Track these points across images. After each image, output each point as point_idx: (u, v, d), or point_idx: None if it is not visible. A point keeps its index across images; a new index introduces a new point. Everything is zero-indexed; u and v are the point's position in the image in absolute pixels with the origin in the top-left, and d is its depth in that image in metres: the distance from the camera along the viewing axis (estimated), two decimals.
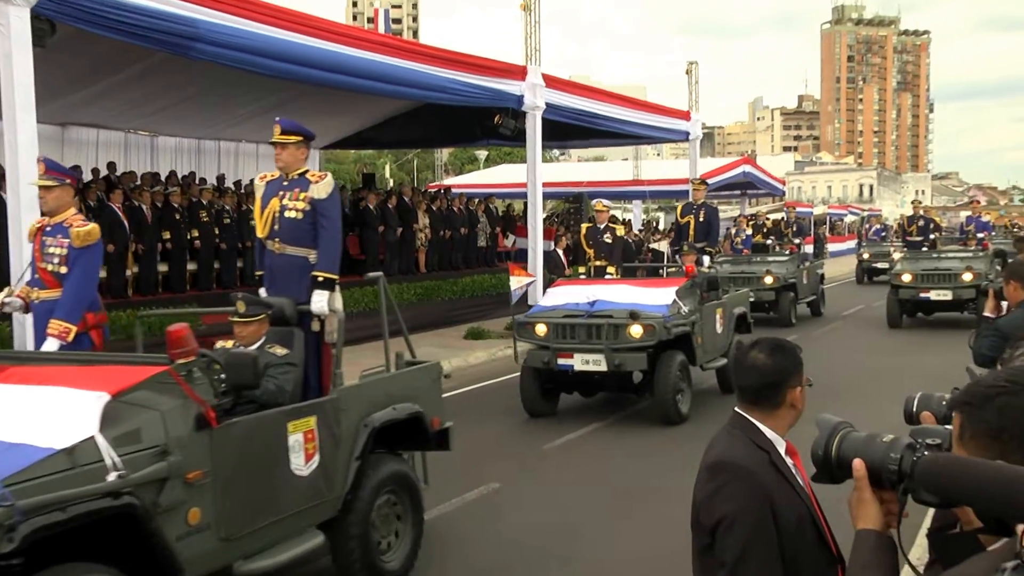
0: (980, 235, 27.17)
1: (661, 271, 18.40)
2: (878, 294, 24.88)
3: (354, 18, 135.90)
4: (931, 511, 2.38)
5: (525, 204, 20.76)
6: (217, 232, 19.33)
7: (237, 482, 5.78)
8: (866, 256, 37.09)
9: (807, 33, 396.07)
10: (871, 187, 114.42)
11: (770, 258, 24.43)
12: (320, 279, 7.50)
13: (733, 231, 29.50)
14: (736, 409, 3.45)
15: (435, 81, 17.31)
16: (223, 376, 5.83)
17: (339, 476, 6.65)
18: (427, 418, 7.67)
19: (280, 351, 6.96)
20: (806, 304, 24.68)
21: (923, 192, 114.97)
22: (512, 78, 19.27)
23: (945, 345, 18.07)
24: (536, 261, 20.19)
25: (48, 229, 7.96)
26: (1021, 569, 1.36)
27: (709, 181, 38.12)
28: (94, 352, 7.83)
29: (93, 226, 8.05)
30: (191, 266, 19.07)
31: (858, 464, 2.22)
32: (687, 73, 28.19)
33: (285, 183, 7.81)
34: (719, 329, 14.05)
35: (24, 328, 10.72)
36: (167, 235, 18.39)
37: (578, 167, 51.20)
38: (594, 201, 17.11)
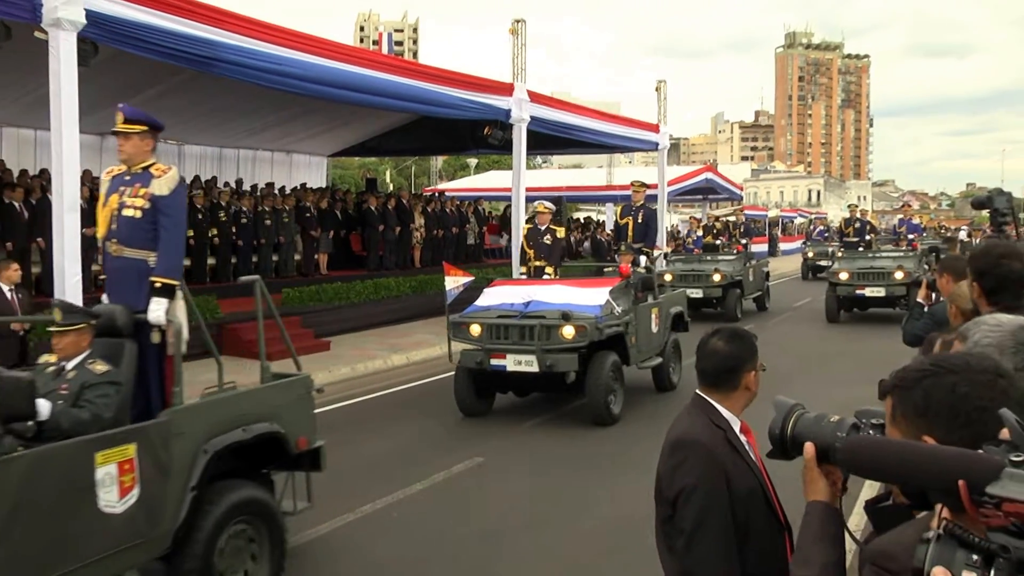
0: (911, 236, 26.75)
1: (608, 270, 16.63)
2: (822, 289, 24.93)
3: (361, 40, 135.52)
4: (875, 484, 2.39)
5: (509, 207, 20.70)
6: (234, 230, 19.34)
7: (19, 528, 4.60)
8: (810, 254, 37.03)
9: (763, 56, 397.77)
10: (819, 192, 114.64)
11: (719, 257, 23.91)
12: (158, 285, 6.13)
13: (685, 232, 29.52)
14: (697, 391, 3.47)
15: (432, 96, 17.29)
16: None
17: (168, 510, 5.40)
18: (290, 438, 6.45)
19: (101, 368, 5.59)
20: (752, 300, 24.23)
21: (864, 197, 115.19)
22: (500, 94, 19.25)
23: (879, 335, 18.37)
24: (518, 256, 20.16)
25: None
26: (943, 540, 1.36)
27: (675, 186, 38.76)
28: None
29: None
30: (211, 260, 19.05)
31: (808, 447, 2.23)
32: (656, 90, 28.05)
33: (127, 178, 6.44)
34: (654, 329, 13.11)
35: None
36: (190, 233, 18.33)
37: (558, 173, 51.08)
38: (535, 203, 15.83)
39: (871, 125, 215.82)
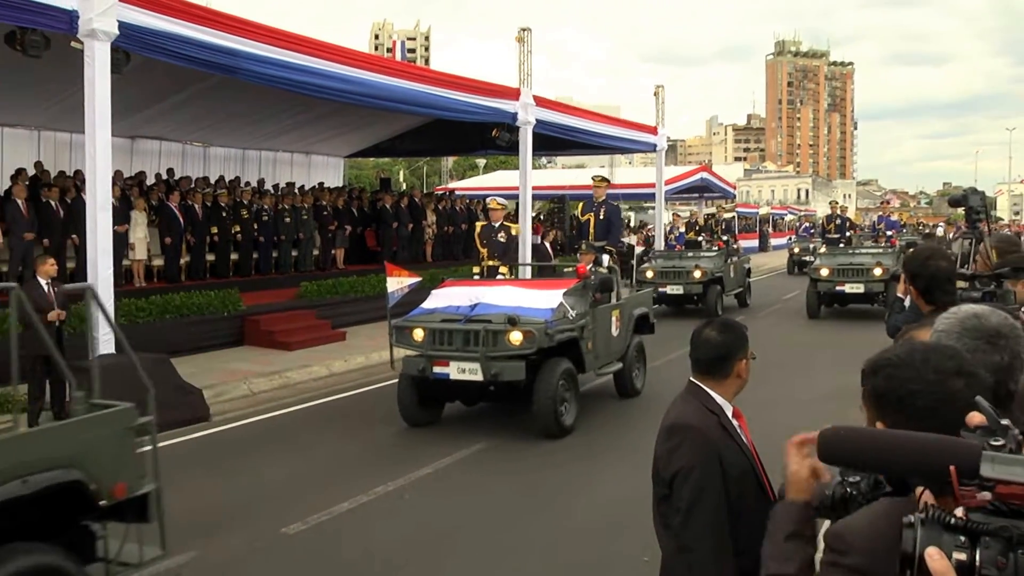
0: (890, 232, 25.86)
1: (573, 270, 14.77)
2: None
3: (375, 48, 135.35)
4: None
5: (517, 204, 20.68)
6: (256, 227, 19.39)
7: None
8: (796, 250, 36.58)
9: (754, 63, 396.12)
10: (807, 191, 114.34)
11: (700, 254, 22.75)
12: None
13: (667, 228, 29.02)
14: (691, 379, 3.49)
15: (443, 101, 17.31)
16: None
17: None
18: (99, 486, 4.97)
19: None
20: (734, 296, 23.24)
21: (849, 196, 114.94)
22: (508, 98, 19.25)
23: (861, 328, 18.17)
24: (525, 253, 20.19)
25: None
26: (929, 524, 1.37)
27: (672, 185, 38.71)
28: None
29: None
30: (234, 256, 19.11)
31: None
32: (654, 95, 28.00)
33: None
34: (615, 332, 11.73)
35: None
36: (215, 230, 18.43)
37: (562, 173, 50.94)
38: (488, 199, 14.42)
39: (855, 128, 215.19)
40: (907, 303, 6.12)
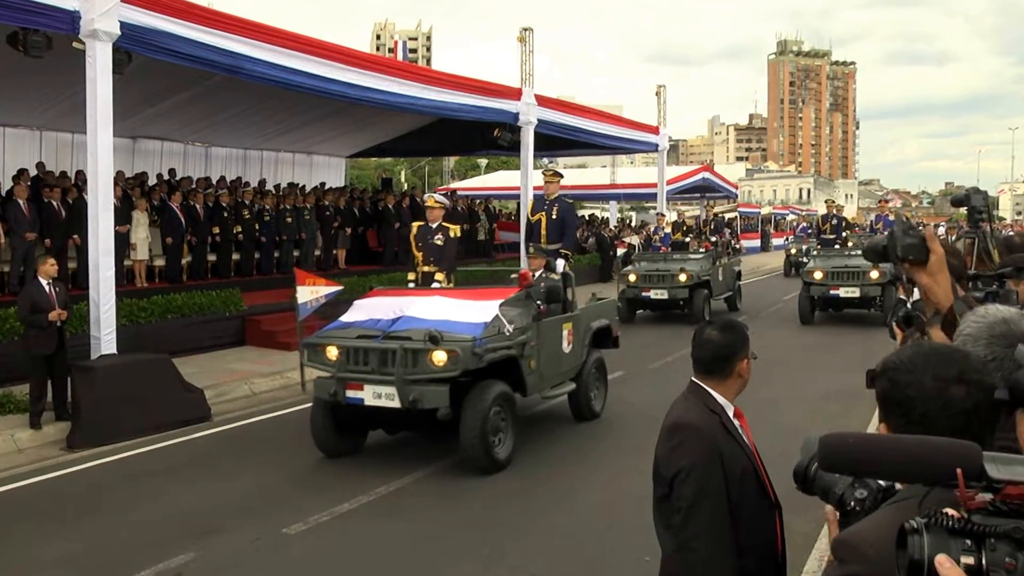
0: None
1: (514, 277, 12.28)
2: None
3: (377, 48, 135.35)
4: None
5: (519, 205, 20.69)
6: (257, 227, 19.42)
7: None
8: (793, 251, 36.10)
9: (756, 62, 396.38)
10: (808, 191, 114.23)
11: (687, 256, 21.35)
12: None
13: (652, 228, 27.51)
14: (692, 378, 3.50)
15: (446, 101, 17.32)
16: None
17: None
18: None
19: None
20: (723, 300, 21.92)
21: (851, 196, 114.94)
22: (509, 98, 19.26)
23: (860, 326, 18.17)
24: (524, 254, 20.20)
25: None
26: (933, 529, 1.36)
27: (674, 185, 38.66)
28: None
29: None
30: (235, 256, 19.12)
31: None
32: (656, 94, 28.01)
33: None
34: (566, 348, 10.32)
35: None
36: (216, 230, 18.45)
37: (564, 172, 51.03)
38: (426, 196, 12.79)
39: (857, 127, 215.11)
40: (909, 304, 6.11)
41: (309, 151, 26.72)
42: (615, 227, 39.87)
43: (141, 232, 16.81)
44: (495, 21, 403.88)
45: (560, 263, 11.86)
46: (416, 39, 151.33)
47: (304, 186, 23.91)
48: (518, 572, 6.39)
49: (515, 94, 19.50)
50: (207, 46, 12.02)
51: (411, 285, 11.53)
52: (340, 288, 10.96)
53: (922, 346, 1.99)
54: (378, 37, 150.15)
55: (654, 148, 27.67)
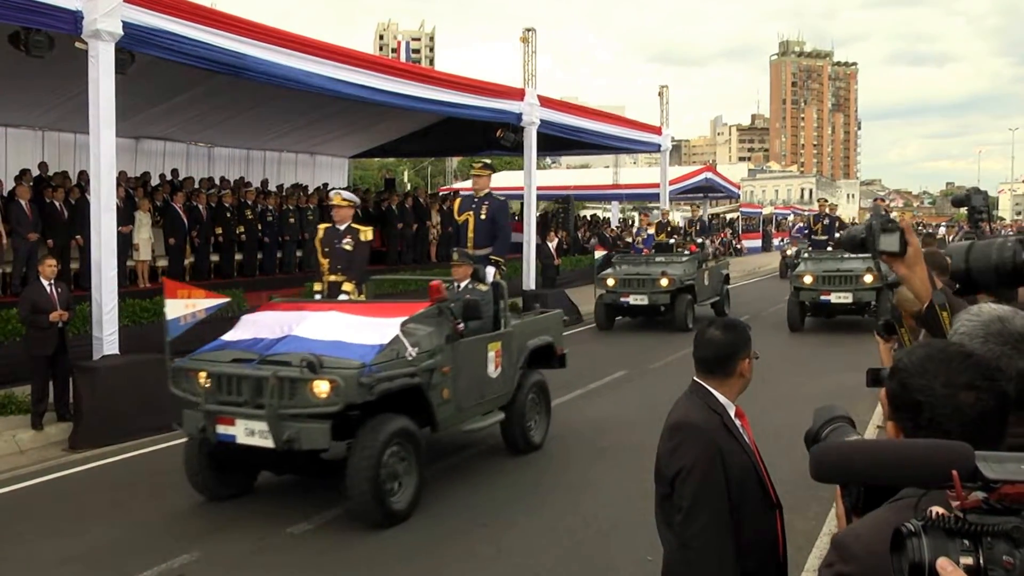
0: None
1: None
2: None
3: (380, 48, 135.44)
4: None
5: (522, 204, 20.68)
6: (260, 228, 19.45)
7: None
8: (789, 252, 35.68)
9: (758, 63, 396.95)
10: (811, 191, 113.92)
11: (671, 259, 19.94)
12: None
13: (635, 230, 26.12)
14: (694, 378, 3.49)
15: (449, 101, 17.33)
16: None
17: None
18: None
19: None
20: (710, 305, 20.41)
21: (852, 196, 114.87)
22: (512, 99, 19.27)
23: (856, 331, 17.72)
24: (530, 253, 20.23)
25: None
26: (932, 530, 1.36)
27: (677, 185, 38.62)
28: None
29: None
30: (238, 256, 19.14)
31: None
32: (659, 95, 28.03)
33: None
34: (492, 372, 8.82)
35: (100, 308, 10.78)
36: (219, 230, 18.50)
37: (567, 173, 51.01)
38: (332, 192, 11.78)
39: (859, 128, 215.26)
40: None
41: (312, 151, 26.74)
42: (617, 227, 39.89)
43: (144, 232, 16.83)
44: (498, 22, 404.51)
45: (490, 271, 10.40)
46: (419, 39, 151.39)
47: (307, 186, 23.93)
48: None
49: (518, 95, 19.52)
50: (210, 46, 12.01)
51: (317, 297, 10.01)
52: (225, 300, 9.64)
53: (933, 347, 1.97)
54: (381, 38, 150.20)
55: (656, 148, 27.68)
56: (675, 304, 18.53)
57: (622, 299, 18.77)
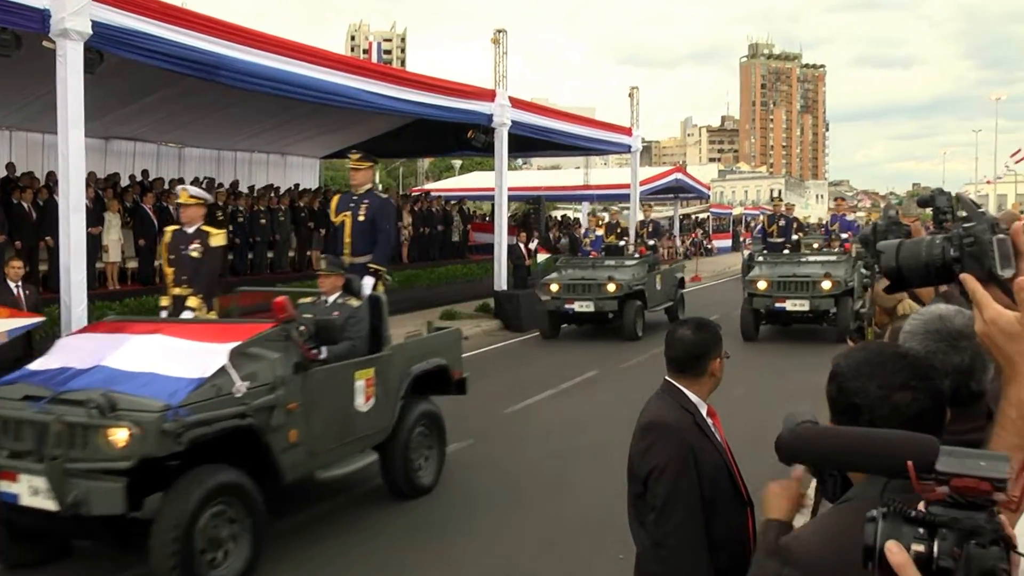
0: (844, 235, 20.40)
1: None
2: None
3: (352, 49, 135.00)
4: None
5: (493, 205, 20.67)
6: (231, 229, 19.28)
7: None
8: (746, 254, 35.23)
9: (727, 65, 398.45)
10: (780, 191, 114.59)
11: (623, 262, 18.77)
12: None
13: (582, 231, 24.61)
14: (666, 377, 3.52)
15: (419, 102, 17.29)
16: None
17: None
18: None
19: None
20: (663, 311, 19.19)
21: (821, 196, 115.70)
22: (483, 100, 19.27)
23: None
24: (501, 252, 20.22)
25: None
26: (890, 516, 1.40)
27: (647, 186, 38.82)
28: None
29: None
30: None
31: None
32: (629, 96, 28.07)
33: None
34: (363, 405, 7.27)
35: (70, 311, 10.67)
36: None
37: (538, 174, 51.01)
38: (179, 188, 10.12)
39: (827, 129, 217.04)
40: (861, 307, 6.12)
41: (283, 152, 26.61)
42: (586, 229, 40.06)
43: (113, 234, 16.68)
44: (469, 23, 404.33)
45: (367, 283, 9.00)
46: (391, 40, 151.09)
47: (279, 187, 23.81)
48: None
49: (489, 96, 19.52)
50: (181, 47, 11.89)
51: (163, 314, 8.69)
52: (39, 320, 8.67)
53: (869, 349, 2.03)
54: (352, 39, 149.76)
55: (627, 149, 27.75)
56: (623, 310, 17.27)
57: (566, 306, 17.46)
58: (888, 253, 1.95)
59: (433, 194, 32.29)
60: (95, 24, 10.59)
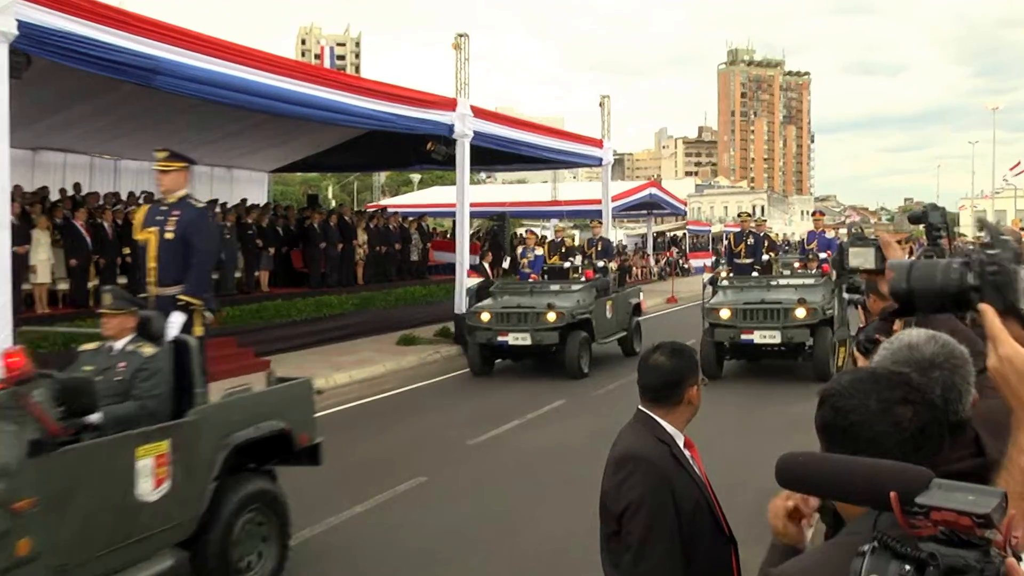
0: (823, 255, 18.80)
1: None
2: None
3: (303, 54, 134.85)
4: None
5: (454, 222, 20.68)
6: None
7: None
8: (707, 277, 33.79)
9: (705, 72, 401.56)
10: (762, 208, 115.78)
11: (561, 287, 17.19)
12: None
13: (520, 251, 22.81)
14: (640, 407, 3.49)
15: (374, 111, 17.29)
16: None
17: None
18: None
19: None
20: (616, 342, 17.94)
21: (806, 212, 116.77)
22: (443, 109, 19.30)
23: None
24: (462, 272, 20.21)
25: None
26: (878, 551, 1.39)
27: (620, 202, 39.01)
28: None
29: None
30: None
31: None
32: (600, 105, 28.25)
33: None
34: (151, 492, 5.66)
35: None
36: (126, 250, 18.15)
37: (502, 189, 51.22)
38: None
39: (812, 141, 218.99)
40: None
41: (229, 165, 26.47)
42: (523, 248, 40.19)
43: (42, 253, 16.47)
44: (429, 26, 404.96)
45: (175, 321, 7.27)
46: (344, 44, 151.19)
47: (225, 203, 23.66)
48: None
49: (450, 104, 19.55)
50: (115, 49, 11.82)
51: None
52: None
53: (859, 372, 2.03)
54: (303, 42, 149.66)
55: (598, 162, 27.88)
56: (566, 343, 15.69)
57: (499, 338, 15.90)
58: (899, 274, 1.92)
59: (390, 210, 32.25)
60: (21, 24, 10.49)
